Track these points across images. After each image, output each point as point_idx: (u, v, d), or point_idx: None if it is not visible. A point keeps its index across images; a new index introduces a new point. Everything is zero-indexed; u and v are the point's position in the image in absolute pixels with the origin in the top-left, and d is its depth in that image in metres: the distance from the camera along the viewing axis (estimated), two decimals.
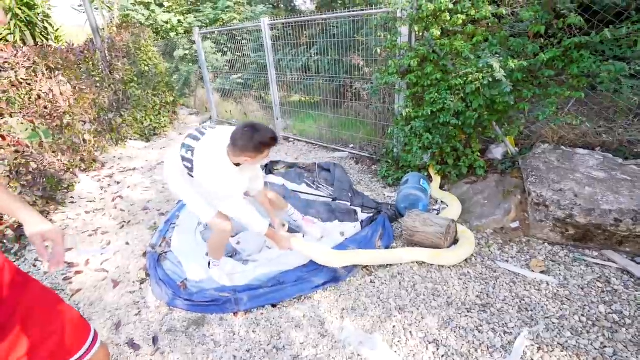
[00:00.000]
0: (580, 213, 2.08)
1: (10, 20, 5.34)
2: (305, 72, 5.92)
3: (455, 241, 2.34)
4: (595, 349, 1.58)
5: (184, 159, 1.77)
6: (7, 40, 5.19)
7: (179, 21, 6.57)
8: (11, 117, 3.06)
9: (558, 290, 1.91)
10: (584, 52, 2.18)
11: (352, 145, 4.21)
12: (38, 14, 5.98)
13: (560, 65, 2.29)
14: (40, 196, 3.03)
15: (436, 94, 2.75)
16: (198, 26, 6.42)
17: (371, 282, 2.13)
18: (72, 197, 3.55)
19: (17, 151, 2.94)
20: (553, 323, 1.72)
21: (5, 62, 3.07)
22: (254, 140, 1.63)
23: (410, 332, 1.77)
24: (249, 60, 6.48)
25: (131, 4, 6.49)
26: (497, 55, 2.41)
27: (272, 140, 1.69)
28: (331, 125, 4.58)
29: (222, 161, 1.73)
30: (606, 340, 1.62)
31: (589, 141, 2.55)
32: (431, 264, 2.20)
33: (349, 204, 2.92)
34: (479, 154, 2.89)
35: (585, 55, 2.18)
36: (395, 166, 3.35)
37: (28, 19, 5.77)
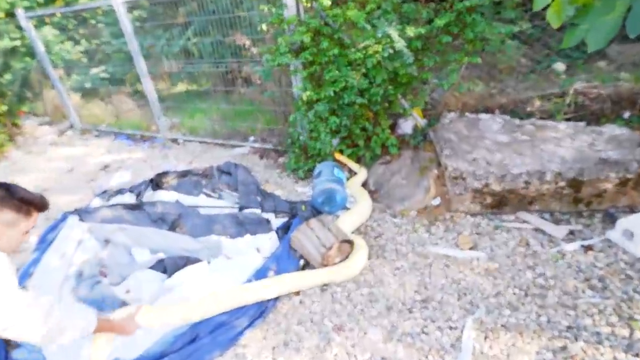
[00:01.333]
0: (494, 181, 2.07)
1: None
2: (187, 58, 5.12)
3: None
4: (532, 320, 1.55)
5: None
6: None
7: None
8: None
9: (488, 265, 1.87)
10: (476, 15, 2.11)
11: (252, 138, 3.74)
12: None
13: (456, 30, 2.19)
14: None
15: (336, 72, 2.47)
16: (24, 8, 4.94)
17: (300, 302, 1.81)
18: None
19: None
20: (491, 303, 1.66)
21: None
22: (12, 197, 1.17)
23: (355, 355, 1.51)
24: (112, 48, 5.33)
25: None
26: (394, 24, 2.21)
27: (40, 200, 1.25)
28: (225, 117, 4.01)
29: None
30: (539, 308, 1.61)
31: (488, 105, 2.60)
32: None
33: (259, 210, 2.51)
34: (389, 131, 2.75)
35: (478, 19, 2.11)
36: (304, 156, 3.03)
37: None
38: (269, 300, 1.77)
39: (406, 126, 2.82)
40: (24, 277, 2.15)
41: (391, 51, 2.15)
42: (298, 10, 2.63)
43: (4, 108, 4.47)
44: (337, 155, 2.79)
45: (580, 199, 2.05)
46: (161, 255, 2.12)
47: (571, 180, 1.98)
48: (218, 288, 1.85)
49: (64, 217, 2.63)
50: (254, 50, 3.50)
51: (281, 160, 3.33)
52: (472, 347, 1.47)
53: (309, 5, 2.55)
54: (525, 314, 1.59)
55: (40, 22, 5.02)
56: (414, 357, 1.47)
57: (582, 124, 2.29)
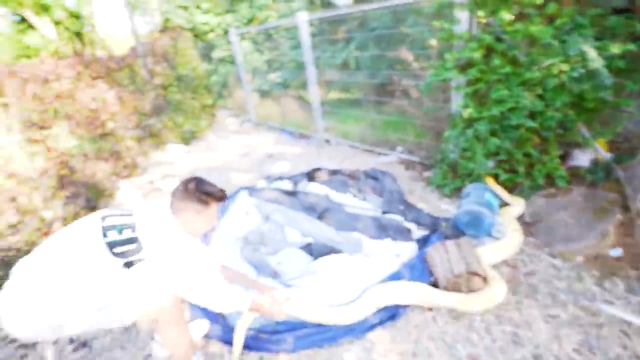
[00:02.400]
0: None
1: (64, 32, 5.58)
2: (344, 69, 5.61)
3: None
4: None
5: (118, 243, 1.29)
6: (58, 52, 5.41)
7: (218, 23, 6.51)
8: (54, 128, 3.05)
9: None
10: None
11: (400, 149, 3.83)
12: (86, 26, 6.18)
13: None
14: (83, 207, 3.00)
15: (505, 91, 2.32)
16: (235, 26, 6.31)
17: (433, 319, 1.79)
18: (111, 205, 3.53)
19: (62, 162, 2.93)
20: None
21: (51, 74, 3.06)
22: (201, 190, 1.44)
23: None
24: (287, 58, 6.28)
25: (172, 7, 6.52)
26: (590, 40, 1.94)
27: (219, 192, 1.49)
28: (375, 125, 4.23)
29: (173, 226, 1.41)
30: None
31: None
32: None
33: (401, 218, 2.58)
34: (558, 160, 2.42)
35: None
36: (453, 174, 2.94)
37: (76, 30, 5.98)
38: (399, 306, 1.82)
39: (582, 158, 2.42)
40: (207, 232, 2.79)
41: (582, 71, 1.90)
42: (471, 25, 2.57)
43: (210, 101, 5.81)
44: (488, 180, 2.61)
45: None
46: (309, 240, 2.42)
47: None
48: (353, 281, 2.01)
49: (237, 191, 3.28)
50: (415, 64, 3.58)
51: (426, 174, 3.32)
52: None
53: (484, 20, 2.47)
54: None
55: (242, 37, 6.30)
56: None
57: None
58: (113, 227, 1.31)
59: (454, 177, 2.91)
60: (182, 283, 1.35)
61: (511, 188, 2.64)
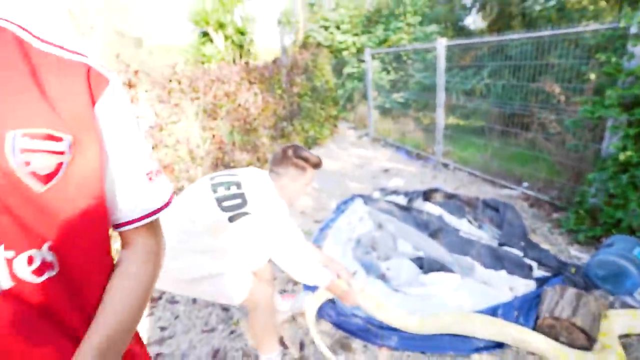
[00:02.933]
0: None
1: (230, 44, 6.88)
2: (470, 96, 5.47)
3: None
4: None
5: (225, 198, 1.38)
6: (224, 59, 6.65)
7: (354, 42, 7.05)
8: (219, 120, 3.80)
9: None
10: None
11: (526, 184, 3.58)
12: (247, 39, 7.44)
13: None
14: None
15: None
16: (369, 46, 6.75)
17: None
18: None
19: (219, 148, 3.63)
20: None
21: (221, 77, 3.85)
22: (298, 156, 1.47)
23: None
24: (413, 80, 6.41)
25: (317, 27, 7.34)
26: None
27: (315, 159, 1.51)
28: (500, 156, 4.03)
29: (272, 188, 1.46)
30: None
31: None
32: None
33: (521, 254, 2.45)
34: None
35: None
36: (591, 221, 2.65)
37: (240, 43, 7.25)
38: None
39: None
40: (325, 228, 3.09)
41: None
42: None
43: (334, 113, 6.33)
44: None
45: None
46: (421, 254, 2.49)
47: None
48: (461, 304, 2.02)
49: (353, 197, 3.53)
50: (562, 97, 3.33)
51: (555, 215, 3.04)
52: None
53: None
54: None
55: (373, 57, 6.69)
56: None
57: None
58: (221, 184, 1.42)
59: (592, 224, 2.61)
60: (277, 241, 1.40)
61: None
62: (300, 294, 2.10)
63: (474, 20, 11.56)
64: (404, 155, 5.25)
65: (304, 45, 8.08)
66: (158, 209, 0.61)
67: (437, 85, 4.41)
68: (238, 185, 1.41)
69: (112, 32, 9.94)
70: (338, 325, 1.96)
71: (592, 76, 2.59)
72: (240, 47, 7.37)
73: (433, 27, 7.39)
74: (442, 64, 4.29)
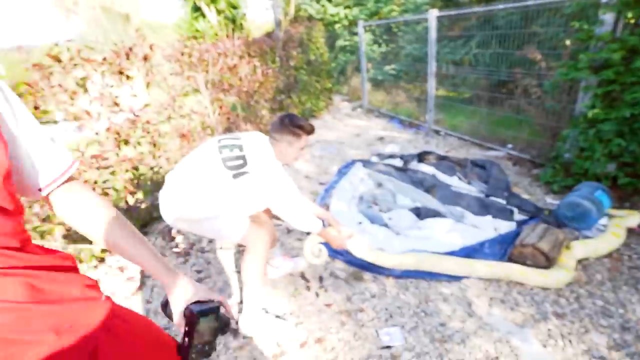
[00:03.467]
0: None
1: (222, 19, 6.90)
2: (460, 66, 5.71)
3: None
4: None
5: (229, 159, 1.62)
6: (217, 35, 6.69)
7: (346, 15, 7.14)
8: (225, 92, 3.99)
9: None
10: None
11: (510, 145, 3.93)
12: (239, 13, 7.45)
13: None
14: None
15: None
16: (361, 19, 6.87)
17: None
18: None
19: (228, 118, 3.85)
20: None
21: (225, 51, 4.01)
22: (294, 124, 1.68)
23: (570, 340, 1.68)
24: (404, 51, 6.60)
25: (309, 0, 7.38)
26: None
27: (311, 128, 1.72)
28: (487, 122, 4.36)
29: (270, 152, 1.69)
30: None
31: None
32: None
33: (504, 202, 2.81)
34: None
35: None
36: (564, 173, 3.02)
37: (233, 17, 7.27)
38: None
39: None
40: (329, 188, 3.39)
41: None
42: (615, 27, 2.61)
43: (329, 85, 6.52)
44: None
45: None
46: (418, 204, 2.84)
47: None
48: (453, 242, 2.38)
49: (353, 162, 3.83)
50: (542, 64, 3.63)
51: (535, 171, 3.41)
52: None
53: (632, 21, 2.50)
54: None
55: (366, 29, 6.82)
56: None
57: None
58: (226, 147, 1.65)
59: (565, 176, 2.99)
60: (274, 194, 1.65)
61: (630, 193, 2.65)
62: (299, 257, 2.35)
63: None
64: (398, 124, 5.54)
65: (296, 19, 8.12)
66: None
67: (428, 56, 4.65)
68: (240, 148, 1.64)
69: (97, 8, 9.71)
70: (349, 262, 2.31)
71: (568, 42, 2.87)
72: (233, 21, 7.39)
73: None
74: (433, 35, 4.51)
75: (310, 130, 1.73)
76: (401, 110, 5.96)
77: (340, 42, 7.36)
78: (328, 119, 6.28)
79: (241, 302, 2.01)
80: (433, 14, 4.43)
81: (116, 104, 2.53)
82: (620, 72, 2.47)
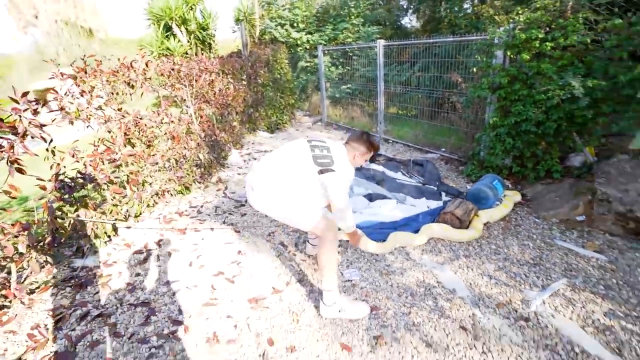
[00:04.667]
0: (639, 209, 2.50)
1: (192, 39, 7.43)
2: (406, 86, 6.73)
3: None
4: (621, 297, 2.05)
5: (320, 157, 1.93)
6: (187, 54, 7.20)
7: (307, 40, 8.00)
8: (204, 104, 4.55)
9: (606, 265, 2.38)
10: None
11: (443, 149, 4.87)
12: (209, 34, 8.03)
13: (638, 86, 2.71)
14: (215, 157, 4.44)
15: (521, 107, 3.32)
16: (321, 43, 7.76)
17: (448, 242, 2.85)
18: (226, 163, 4.97)
19: (208, 126, 4.40)
20: (591, 280, 2.23)
21: (205, 68, 4.60)
22: (370, 141, 2.12)
23: (471, 268, 2.45)
24: (358, 73, 7.56)
25: (274, 25, 8.16)
26: (579, 76, 2.93)
27: (378, 146, 2.19)
28: (426, 131, 5.30)
29: (347, 157, 2.07)
30: (634, 296, 2.06)
31: None
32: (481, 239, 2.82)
33: (435, 189, 3.65)
34: (557, 160, 3.35)
35: None
36: (480, 167, 3.94)
37: (202, 38, 7.83)
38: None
39: (575, 160, 3.32)
40: None
41: (569, 95, 2.88)
42: (504, 60, 3.62)
43: (292, 101, 7.26)
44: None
45: None
46: (370, 191, 3.58)
47: None
48: (396, 215, 3.12)
49: None
50: (463, 85, 4.64)
51: (461, 168, 4.33)
52: (557, 290, 2.16)
53: (513, 57, 3.51)
54: (617, 293, 2.09)
55: (324, 53, 7.71)
56: (512, 282, 2.28)
57: None
58: (316, 147, 1.99)
59: (480, 169, 3.91)
60: (341, 192, 1.97)
61: (521, 178, 3.60)
62: None
63: (410, 21, 13.16)
64: None
65: (261, 41, 8.86)
66: None
67: (377, 78, 5.56)
68: (328, 150, 1.98)
69: (60, 21, 9.78)
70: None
71: (475, 70, 3.86)
72: (202, 42, 7.95)
73: (374, 29, 8.61)
74: (381, 60, 5.44)
75: (377, 148, 2.16)
76: (356, 123, 6.83)
77: (302, 63, 8.18)
78: (292, 130, 6.99)
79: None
80: (381, 43, 5.37)
81: (119, 110, 3.02)
82: (508, 92, 3.44)
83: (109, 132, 2.82)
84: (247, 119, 6.34)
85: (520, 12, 3.44)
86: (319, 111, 7.83)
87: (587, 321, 1.90)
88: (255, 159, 5.30)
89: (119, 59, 3.15)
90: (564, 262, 2.44)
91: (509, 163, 3.62)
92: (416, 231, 2.89)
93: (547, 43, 3.10)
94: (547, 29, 3.26)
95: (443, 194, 3.56)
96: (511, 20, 3.47)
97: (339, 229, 2.11)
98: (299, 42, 8.07)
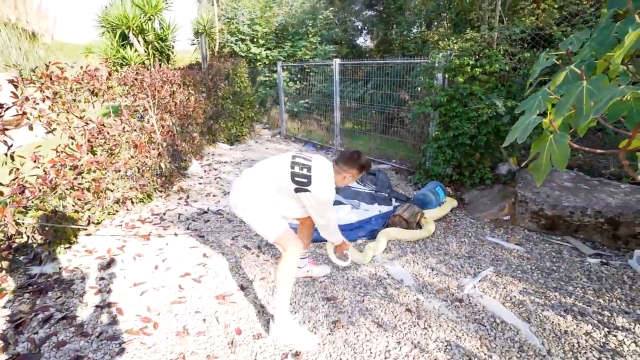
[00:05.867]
0: (547, 207, 3.01)
1: (150, 50, 7.37)
2: (360, 102, 7.23)
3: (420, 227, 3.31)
4: (533, 278, 2.49)
5: (298, 175, 1.89)
6: (144, 64, 7.13)
7: (267, 55, 8.26)
8: (166, 114, 4.60)
9: (523, 254, 2.84)
10: None
11: (394, 160, 5.32)
12: (167, 46, 8.01)
13: None
14: (176, 167, 4.48)
15: (458, 122, 3.83)
16: (279, 59, 8.07)
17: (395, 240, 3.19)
18: (187, 173, 5.01)
19: (170, 136, 4.45)
20: (511, 267, 2.66)
21: (167, 79, 4.67)
22: (361, 162, 2.06)
23: (417, 262, 2.79)
24: (315, 89, 7.95)
25: (234, 39, 8.33)
26: (502, 98, 3.47)
27: (369, 166, 2.13)
28: (379, 144, 5.75)
29: (332, 178, 2.01)
30: (542, 277, 2.51)
31: (570, 164, 3.45)
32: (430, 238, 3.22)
33: (387, 195, 4.02)
34: (489, 169, 3.88)
35: None
36: (425, 175, 4.40)
37: (161, 49, 7.79)
38: (376, 229, 3.22)
39: (503, 168, 3.87)
40: None
41: (494, 113, 3.41)
42: (444, 82, 4.14)
43: (252, 114, 7.44)
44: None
45: (619, 237, 2.77)
46: None
47: (609, 218, 2.76)
48: (351, 219, 3.42)
49: None
50: (411, 102, 5.15)
51: (410, 177, 4.78)
52: (485, 276, 2.55)
53: (450, 79, 4.03)
54: (530, 275, 2.53)
55: (284, 68, 8.02)
56: (450, 272, 2.65)
57: None
58: (297, 164, 1.93)
59: (426, 177, 4.36)
60: (320, 211, 1.97)
61: (459, 185, 4.09)
62: (323, 264, 2.71)
63: (364, 41, 14.00)
64: (311, 147, 6.69)
65: (220, 55, 8.98)
66: None
67: (334, 94, 5.95)
68: (309, 169, 1.92)
69: None
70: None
71: (419, 89, 4.36)
72: (161, 52, 7.90)
73: (331, 47, 9.12)
74: (337, 77, 5.84)
75: (369, 166, 2.13)
76: (314, 136, 7.16)
77: (261, 78, 8.41)
78: (252, 143, 7.15)
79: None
80: (337, 61, 5.78)
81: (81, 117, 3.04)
82: (447, 109, 3.94)
83: (72, 138, 2.83)
84: (207, 131, 6.41)
85: (455, 41, 3.98)
86: (277, 124, 8.07)
87: (507, 298, 2.29)
88: (215, 169, 5.39)
89: (81, 67, 3.18)
90: (492, 254, 2.86)
91: (450, 172, 4.10)
92: (371, 232, 3.20)
93: (477, 69, 3.64)
94: (477, 57, 3.82)
95: (393, 199, 3.93)
96: (448, 48, 4.01)
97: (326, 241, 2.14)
98: (258, 57, 8.31)
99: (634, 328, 2.00)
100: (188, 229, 3.31)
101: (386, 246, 3.01)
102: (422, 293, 2.38)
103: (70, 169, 2.79)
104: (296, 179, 1.89)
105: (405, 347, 1.89)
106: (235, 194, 1.98)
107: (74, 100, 3.01)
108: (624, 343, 1.90)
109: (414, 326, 2.06)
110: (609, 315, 2.11)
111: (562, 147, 0.85)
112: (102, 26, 8.06)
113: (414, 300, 2.30)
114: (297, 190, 1.89)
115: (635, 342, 1.90)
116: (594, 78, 0.91)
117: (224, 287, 2.43)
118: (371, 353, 1.86)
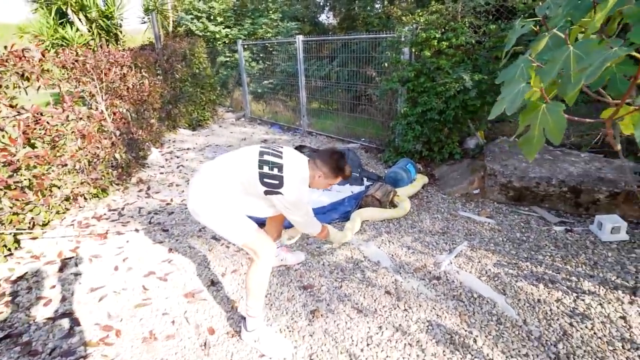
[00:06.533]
0: (515, 179, 3.06)
1: (95, 29, 6.67)
2: (326, 81, 7.04)
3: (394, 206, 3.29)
4: (505, 250, 2.54)
5: (268, 176, 1.64)
6: (89, 45, 6.47)
7: (226, 34, 7.79)
8: (117, 100, 4.20)
9: (494, 227, 2.89)
10: None
11: (363, 139, 5.25)
12: (114, 24, 7.30)
13: None
14: (134, 157, 4.15)
15: (426, 98, 3.78)
16: (239, 38, 7.64)
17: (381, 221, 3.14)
18: (147, 163, 4.67)
19: (123, 123, 4.08)
20: (484, 240, 2.70)
21: (116, 61, 4.24)
22: (338, 165, 1.80)
23: (392, 242, 2.76)
24: (279, 68, 7.64)
25: (189, 17, 7.75)
26: (469, 71, 3.44)
27: (349, 173, 1.87)
28: (347, 123, 5.64)
29: (306, 177, 1.77)
30: (513, 248, 2.57)
31: None
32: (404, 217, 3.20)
33: (357, 175, 3.95)
34: (457, 143, 3.89)
35: None
36: (395, 153, 4.36)
37: (107, 28, 7.09)
38: (349, 210, 3.15)
39: (471, 142, 3.91)
40: None
41: (462, 87, 3.38)
42: (410, 57, 4.05)
43: (213, 97, 7.04)
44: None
45: (580, 204, 2.88)
46: None
47: (572, 187, 2.85)
48: (323, 201, 3.32)
49: None
50: (378, 79, 5.05)
51: (380, 155, 4.73)
52: (461, 251, 2.57)
53: (417, 53, 3.95)
54: (502, 247, 2.58)
55: (245, 48, 7.61)
56: (426, 250, 2.64)
57: (601, 155, 3.06)
58: (267, 163, 1.66)
59: (396, 155, 4.33)
60: (293, 212, 1.74)
61: (429, 161, 4.09)
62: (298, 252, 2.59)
63: (327, 18, 13.61)
64: (278, 129, 6.47)
65: (175, 34, 8.37)
66: None
67: (298, 72, 5.72)
68: (280, 169, 1.65)
69: None
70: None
71: (387, 65, 4.25)
72: (107, 32, 7.20)
73: (293, 24, 8.75)
74: (301, 55, 5.60)
75: (347, 176, 1.86)
76: (280, 117, 6.93)
77: (221, 58, 7.94)
78: (215, 127, 6.80)
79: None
80: (300, 38, 5.53)
81: (12, 106, 2.67)
82: (415, 85, 3.87)
83: (1, 130, 2.48)
84: (166, 116, 5.99)
85: (420, 14, 3.88)
86: (241, 107, 7.73)
87: (482, 272, 2.31)
88: (177, 157, 5.07)
89: (5, 47, 2.77)
90: (465, 229, 2.89)
91: (419, 148, 4.08)
92: (344, 214, 3.13)
93: (443, 42, 3.57)
94: (443, 30, 3.74)
95: (365, 179, 3.87)
96: (414, 21, 3.91)
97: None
98: (217, 36, 7.82)
99: (598, 291, 2.09)
100: (150, 223, 3.07)
101: (360, 227, 2.96)
102: (400, 273, 2.35)
103: (3, 166, 2.45)
104: (266, 180, 1.63)
105: (387, 332, 1.85)
106: (193, 197, 1.70)
107: None
108: (591, 306, 1.97)
109: (394, 309, 2.03)
110: (577, 280, 2.18)
111: (557, 117, 0.77)
112: (34, 1, 7.19)
113: (393, 282, 2.26)
114: (267, 193, 1.65)
115: (600, 304, 1.98)
116: (580, 41, 0.83)
117: (192, 284, 2.28)
118: (352, 341, 1.81)
